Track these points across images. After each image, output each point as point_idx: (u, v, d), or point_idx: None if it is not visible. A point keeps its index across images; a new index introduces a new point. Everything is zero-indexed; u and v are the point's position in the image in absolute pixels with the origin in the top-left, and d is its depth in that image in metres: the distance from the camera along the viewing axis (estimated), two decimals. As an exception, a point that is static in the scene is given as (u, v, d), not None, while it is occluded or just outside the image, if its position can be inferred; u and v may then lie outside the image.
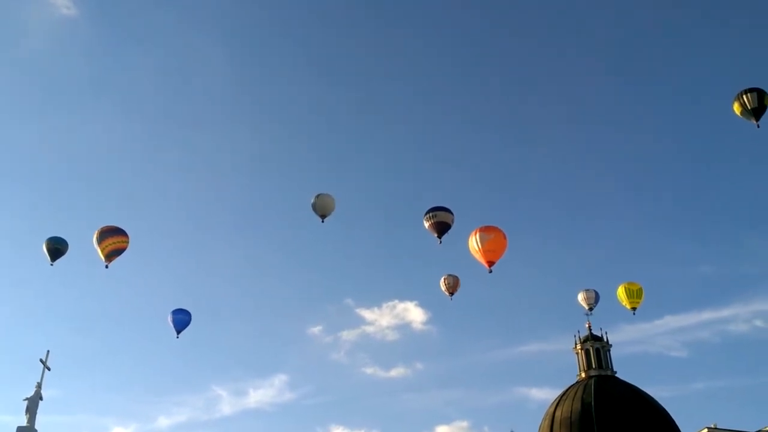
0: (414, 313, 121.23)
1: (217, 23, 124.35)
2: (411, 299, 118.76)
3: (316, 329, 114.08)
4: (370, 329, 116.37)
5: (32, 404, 42.38)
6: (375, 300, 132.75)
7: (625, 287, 49.63)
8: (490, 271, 44.48)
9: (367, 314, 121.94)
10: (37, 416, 42.68)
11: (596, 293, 52.39)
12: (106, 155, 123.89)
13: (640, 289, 50.02)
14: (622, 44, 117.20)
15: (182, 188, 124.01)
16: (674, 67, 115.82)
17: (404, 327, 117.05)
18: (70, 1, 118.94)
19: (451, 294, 50.05)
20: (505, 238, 44.77)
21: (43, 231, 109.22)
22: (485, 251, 44.01)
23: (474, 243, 44.32)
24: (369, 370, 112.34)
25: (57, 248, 49.20)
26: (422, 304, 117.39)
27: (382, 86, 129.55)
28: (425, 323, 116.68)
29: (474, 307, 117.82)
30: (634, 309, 49.47)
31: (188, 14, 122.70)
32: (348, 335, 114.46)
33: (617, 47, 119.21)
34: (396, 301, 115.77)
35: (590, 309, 52.34)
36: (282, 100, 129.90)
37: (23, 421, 42.16)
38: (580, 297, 52.32)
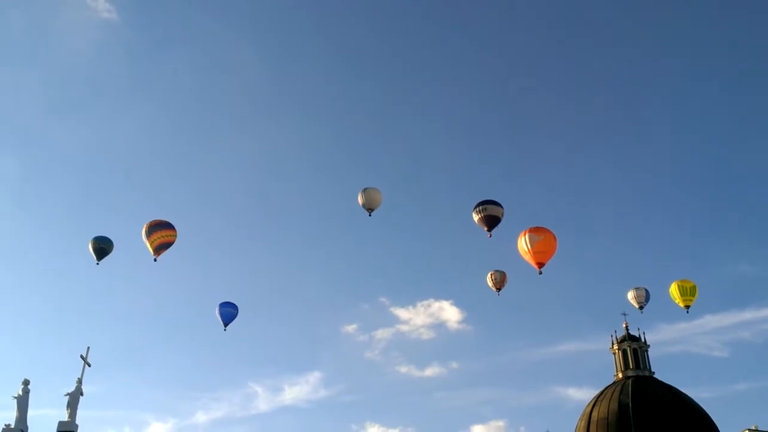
0: (449, 312, 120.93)
1: (251, 22, 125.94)
2: (446, 298, 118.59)
3: (351, 328, 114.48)
4: (404, 328, 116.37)
5: (73, 399, 43.03)
6: (410, 299, 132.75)
7: (678, 285, 48.55)
8: (540, 273, 44.22)
9: (401, 313, 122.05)
10: (78, 411, 43.34)
11: (647, 291, 51.31)
12: (148, 153, 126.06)
13: (694, 287, 48.96)
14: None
15: (224, 185, 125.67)
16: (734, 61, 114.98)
17: (439, 326, 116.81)
18: (110, 5, 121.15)
19: (499, 290, 49.74)
20: (555, 239, 44.48)
21: (88, 228, 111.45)
22: (535, 252, 43.70)
23: (523, 244, 44.04)
24: (403, 369, 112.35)
25: (102, 248, 50.02)
26: (457, 303, 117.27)
27: (427, 83, 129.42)
28: (460, 322, 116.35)
29: (509, 307, 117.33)
30: (687, 307, 48.55)
31: (223, 15, 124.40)
32: (382, 334, 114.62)
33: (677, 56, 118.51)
34: (431, 300, 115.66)
35: (641, 308, 51.12)
36: (320, 96, 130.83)
37: (64, 416, 42.84)
38: (630, 295, 51.34)
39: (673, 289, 48.79)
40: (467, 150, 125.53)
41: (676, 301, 48.55)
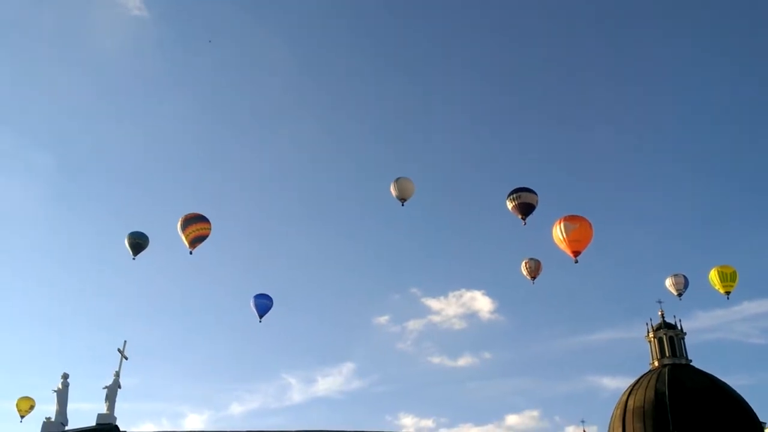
0: (481, 302, 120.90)
1: (281, 16, 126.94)
2: (478, 288, 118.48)
3: (383, 319, 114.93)
4: (436, 318, 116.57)
5: (111, 392, 43.72)
6: (441, 289, 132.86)
7: (718, 271, 47.79)
8: (576, 261, 43.81)
9: (433, 303, 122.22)
10: (116, 404, 44.03)
11: (685, 278, 50.65)
12: (182, 148, 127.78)
13: (734, 272, 48.15)
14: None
15: (258, 179, 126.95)
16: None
17: (471, 316, 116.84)
18: (141, 3, 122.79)
19: (533, 278, 49.44)
20: (590, 227, 43.93)
21: (124, 222, 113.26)
22: (570, 241, 43.23)
23: (558, 233, 43.60)
24: (436, 360, 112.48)
25: (138, 243, 50.68)
26: (489, 293, 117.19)
27: (458, 73, 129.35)
28: (493, 312, 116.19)
29: (542, 296, 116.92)
30: (728, 293, 47.82)
31: (253, 8, 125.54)
32: (414, 325, 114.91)
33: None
34: (463, 290, 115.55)
35: (679, 295, 50.48)
36: (352, 88, 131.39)
37: (103, 409, 43.53)
38: (668, 282, 50.70)
39: (713, 275, 48.02)
40: (500, 138, 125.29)
41: (716, 288, 47.79)
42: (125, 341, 45.30)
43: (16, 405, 51.81)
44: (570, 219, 43.93)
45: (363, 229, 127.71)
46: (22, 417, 51.70)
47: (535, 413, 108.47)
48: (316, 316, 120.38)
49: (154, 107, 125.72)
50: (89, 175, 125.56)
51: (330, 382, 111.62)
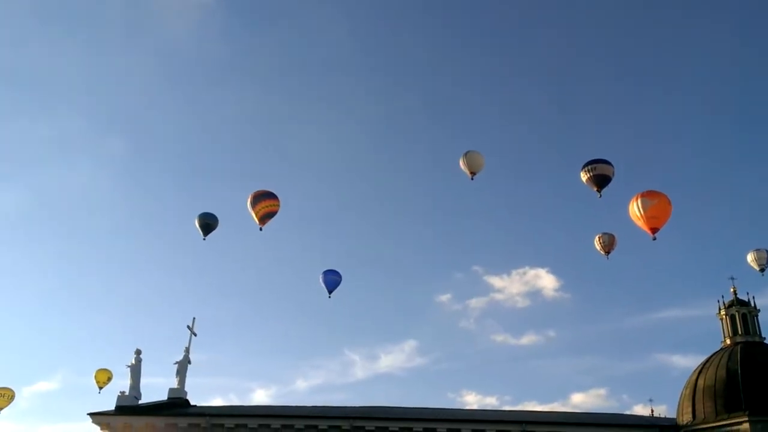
0: (546, 280, 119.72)
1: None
2: (542, 265, 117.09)
3: (445, 297, 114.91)
4: (499, 297, 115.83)
5: (182, 368, 45.37)
6: (504, 267, 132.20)
7: None
8: (654, 239, 42.97)
9: (496, 281, 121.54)
10: (187, 379, 45.59)
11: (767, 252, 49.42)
12: (249, 130, 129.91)
13: None
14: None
15: (322, 158, 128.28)
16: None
17: (535, 294, 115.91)
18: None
19: (608, 253, 48.76)
20: (669, 203, 43.00)
21: (193, 202, 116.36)
22: (648, 218, 42.47)
23: (635, 209, 42.82)
24: (499, 338, 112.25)
25: (208, 223, 52.15)
26: (554, 271, 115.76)
27: (528, 41, 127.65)
28: (557, 290, 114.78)
29: (607, 274, 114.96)
30: None
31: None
32: (477, 303, 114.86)
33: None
34: (526, 267, 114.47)
35: (762, 270, 49.24)
36: (413, 64, 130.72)
37: (174, 384, 45.25)
38: (750, 257, 49.44)
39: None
40: (570, 109, 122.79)
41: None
42: (194, 318, 46.74)
43: (95, 376, 54.14)
44: (648, 195, 43.04)
45: (424, 207, 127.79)
46: (100, 388, 54.01)
47: (602, 392, 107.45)
48: (379, 295, 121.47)
49: (219, 91, 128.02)
50: (159, 159, 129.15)
51: (392, 359, 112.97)
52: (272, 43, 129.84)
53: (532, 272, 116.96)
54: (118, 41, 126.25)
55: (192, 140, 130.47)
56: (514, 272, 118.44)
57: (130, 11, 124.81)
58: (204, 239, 51.77)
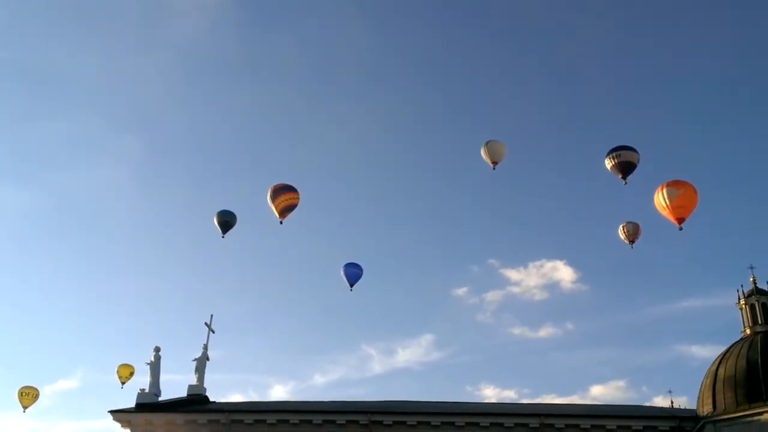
0: (563, 272, 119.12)
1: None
2: (559, 258, 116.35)
3: (461, 291, 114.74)
4: (516, 290, 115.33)
5: (200, 364, 45.79)
6: (520, 260, 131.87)
7: None
8: (680, 229, 42.56)
9: (512, 274, 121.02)
10: (206, 375, 46.01)
11: None
12: (266, 126, 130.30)
13: None
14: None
15: (339, 151, 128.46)
16: None
17: (552, 286, 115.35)
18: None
19: (632, 242, 48.35)
20: (695, 192, 42.44)
21: (211, 198, 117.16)
22: (674, 207, 42.04)
23: (661, 199, 42.37)
24: (516, 331, 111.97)
25: (227, 221, 52.51)
26: (571, 263, 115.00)
27: (548, 32, 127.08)
28: (575, 282, 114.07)
29: (626, 265, 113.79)
30: None
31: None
32: (493, 296, 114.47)
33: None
34: (543, 260, 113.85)
35: None
36: (431, 57, 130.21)
37: (193, 380, 45.68)
38: None
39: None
40: (589, 100, 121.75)
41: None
42: (212, 315, 47.14)
43: (117, 372, 54.92)
44: (674, 184, 42.61)
45: (440, 200, 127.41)
46: (123, 383, 54.76)
47: (621, 383, 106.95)
48: (395, 289, 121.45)
49: (237, 88, 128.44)
50: (178, 157, 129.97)
51: (409, 354, 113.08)
52: (289, 40, 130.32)
53: (549, 264, 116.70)
54: (134, 40, 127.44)
55: (210, 138, 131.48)
56: (530, 265, 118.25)
57: (147, 10, 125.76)
58: (223, 237, 52.15)
